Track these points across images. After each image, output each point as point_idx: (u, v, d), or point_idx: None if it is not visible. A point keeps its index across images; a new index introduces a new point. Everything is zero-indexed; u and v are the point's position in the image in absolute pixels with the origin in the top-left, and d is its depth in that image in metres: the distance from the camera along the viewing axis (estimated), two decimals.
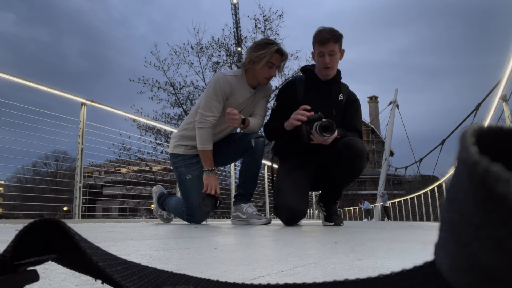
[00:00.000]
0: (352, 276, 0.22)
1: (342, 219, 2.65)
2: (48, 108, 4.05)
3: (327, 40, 2.29)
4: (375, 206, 22.13)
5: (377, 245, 1.13)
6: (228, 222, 3.90)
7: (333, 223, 2.54)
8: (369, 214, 21.24)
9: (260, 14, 15.19)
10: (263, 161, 9.04)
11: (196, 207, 2.43)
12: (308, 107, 2.22)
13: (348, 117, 2.49)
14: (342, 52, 2.42)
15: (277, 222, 3.56)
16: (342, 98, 2.47)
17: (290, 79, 2.68)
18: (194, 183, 2.45)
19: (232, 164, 6.66)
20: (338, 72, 2.47)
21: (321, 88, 2.45)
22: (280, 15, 14.76)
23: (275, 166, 2.87)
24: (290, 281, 0.24)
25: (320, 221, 2.74)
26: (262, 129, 2.57)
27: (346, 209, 25.89)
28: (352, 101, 2.52)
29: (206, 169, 2.35)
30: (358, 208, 25.20)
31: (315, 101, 2.40)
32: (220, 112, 2.36)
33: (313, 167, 2.51)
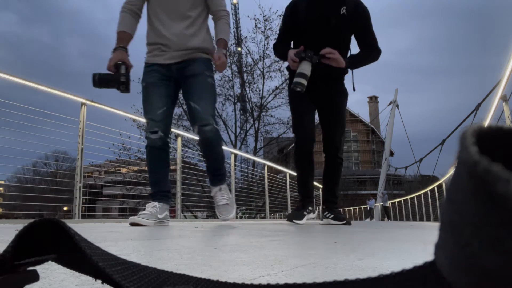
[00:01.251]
0: (352, 276, 0.22)
1: (349, 219, 2.81)
2: (48, 108, 4.06)
3: None
4: (375, 206, 22.13)
5: (377, 245, 1.13)
6: (227, 222, 3.89)
7: (344, 222, 2.62)
8: (370, 213, 21.23)
9: (260, 14, 15.21)
10: (263, 161, 9.04)
11: (145, 116, 2.25)
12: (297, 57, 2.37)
13: (359, 34, 2.55)
14: None
15: (276, 221, 3.55)
16: (344, 11, 2.46)
17: None
18: (148, 91, 2.26)
19: (232, 165, 6.66)
20: None
21: (320, 1, 2.47)
22: (280, 15, 14.75)
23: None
24: (290, 281, 0.24)
25: (320, 221, 2.77)
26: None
27: (346, 209, 25.88)
28: (359, 13, 2.50)
29: (115, 46, 2.17)
30: (358, 208, 25.19)
31: (314, 19, 2.49)
32: None
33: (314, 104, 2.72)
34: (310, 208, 2.76)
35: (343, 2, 2.45)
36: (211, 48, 2.32)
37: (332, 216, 2.66)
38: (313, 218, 2.85)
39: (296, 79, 2.30)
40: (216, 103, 2.39)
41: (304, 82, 2.28)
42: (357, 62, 2.56)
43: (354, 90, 2.85)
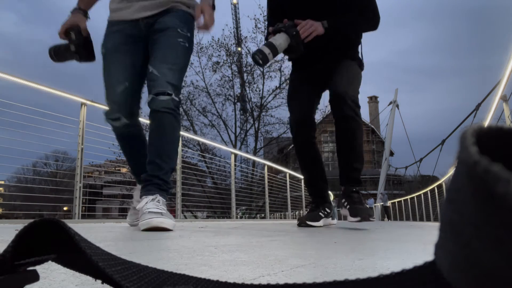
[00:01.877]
0: (352, 276, 0.22)
1: (370, 211, 2.00)
2: (48, 108, 4.06)
3: None
4: (375, 206, 22.13)
5: (377, 245, 1.13)
6: (228, 222, 3.90)
7: (359, 218, 1.89)
8: None
9: (260, 14, 15.19)
10: (263, 161, 9.04)
11: (107, 97, 1.75)
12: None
13: None
14: None
15: (276, 221, 3.54)
16: None
17: None
18: (107, 60, 1.75)
19: (232, 165, 6.66)
20: None
21: None
22: None
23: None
24: (290, 281, 0.24)
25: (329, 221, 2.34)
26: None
27: None
28: None
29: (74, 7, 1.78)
30: None
31: (298, 6, 2.08)
32: None
33: (318, 82, 2.23)
34: (327, 210, 2.24)
35: None
36: (193, 3, 1.82)
37: (349, 206, 1.98)
38: (335, 224, 2.23)
39: (259, 47, 1.82)
40: (185, 73, 1.78)
41: (267, 50, 1.78)
42: (341, 25, 1.99)
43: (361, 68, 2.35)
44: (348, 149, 2.03)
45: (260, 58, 1.78)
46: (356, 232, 1.80)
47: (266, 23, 2.37)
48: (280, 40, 1.83)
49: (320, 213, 2.20)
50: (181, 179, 5.14)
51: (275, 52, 1.81)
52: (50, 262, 0.26)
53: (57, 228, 0.25)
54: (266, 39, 2.04)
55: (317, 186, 2.27)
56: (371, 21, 2.05)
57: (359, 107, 2.01)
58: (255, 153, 15.47)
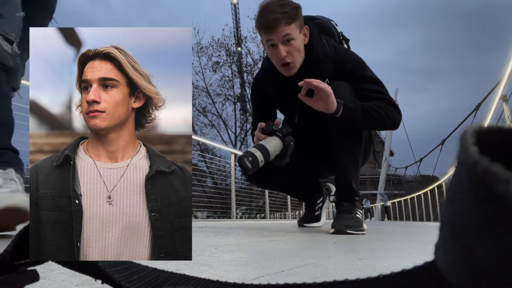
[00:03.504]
0: (352, 276, 0.22)
1: (358, 221, 1.54)
2: None
3: (275, 23, 1.46)
4: (375, 206, 22.10)
5: (377, 245, 1.13)
6: (228, 222, 3.90)
7: (333, 230, 1.49)
8: (369, 212, 21.14)
9: None
10: None
11: None
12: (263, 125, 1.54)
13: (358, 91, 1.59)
14: (304, 31, 1.55)
15: (276, 221, 3.54)
16: (327, 82, 1.58)
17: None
18: None
19: (232, 165, 6.65)
20: (310, 54, 1.58)
21: (290, 85, 1.60)
22: None
23: None
24: (290, 281, 0.24)
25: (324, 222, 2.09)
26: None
27: None
28: (345, 73, 1.59)
29: None
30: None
31: (286, 104, 1.77)
32: None
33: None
34: (320, 201, 2.01)
35: (323, 73, 1.58)
36: None
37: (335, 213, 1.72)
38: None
39: (249, 149, 1.42)
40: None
41: (260, 157, 1.38)
42: (364, 114, 1.49)
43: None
44: (349, 154, 1.71)
45: (250, 162, 1.36)
46: None
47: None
48: (274, 142, 1.46)
49: (317, 207, 2.01)
50: None
51: (267, 159, 1.43)
52: (50, 262, 0.26)
53: None
54: (252, 130, 1.69)
55: (300, 188, 1.99)
56: (394, 112, 1.55)
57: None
58: None
